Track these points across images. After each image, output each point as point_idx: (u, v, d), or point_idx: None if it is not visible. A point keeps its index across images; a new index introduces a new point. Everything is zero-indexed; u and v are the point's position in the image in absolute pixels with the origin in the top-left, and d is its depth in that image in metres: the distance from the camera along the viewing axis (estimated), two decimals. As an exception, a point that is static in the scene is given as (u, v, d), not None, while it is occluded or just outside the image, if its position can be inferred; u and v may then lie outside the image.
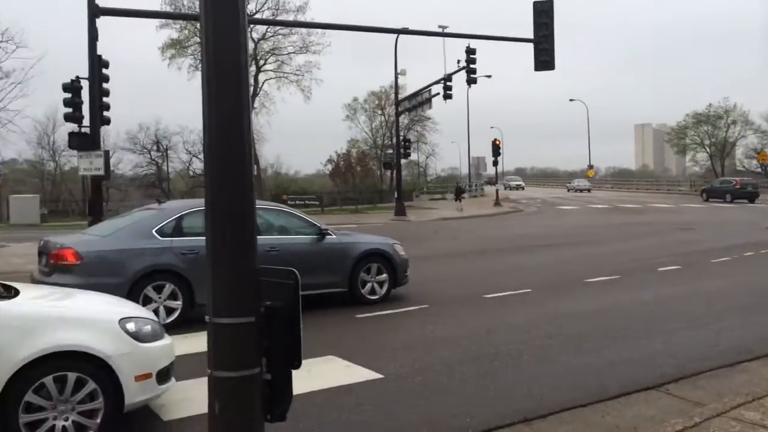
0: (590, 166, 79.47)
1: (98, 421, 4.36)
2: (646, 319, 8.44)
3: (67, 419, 4.26)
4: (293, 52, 49.78)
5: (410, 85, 49.68)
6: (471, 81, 28.87)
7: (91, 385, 4.33)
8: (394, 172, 39.38)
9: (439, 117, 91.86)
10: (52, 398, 4.22)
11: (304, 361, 6.17)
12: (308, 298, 9.16)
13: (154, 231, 8.46)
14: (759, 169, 70.03)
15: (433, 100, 33.33)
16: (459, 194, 41.01)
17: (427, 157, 76.58)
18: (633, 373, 6.14)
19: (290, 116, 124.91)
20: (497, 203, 43.33)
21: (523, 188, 78.78)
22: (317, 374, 5.97)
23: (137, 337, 4.67)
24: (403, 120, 53.47)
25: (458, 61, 29.68)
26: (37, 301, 4.99)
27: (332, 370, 6.27)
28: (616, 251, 16.61)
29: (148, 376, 4.63)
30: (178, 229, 8.61)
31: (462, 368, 6.31)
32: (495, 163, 45.09)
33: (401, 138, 38.40)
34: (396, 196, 35.51)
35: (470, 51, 28.02)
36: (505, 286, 11.05)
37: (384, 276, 9.83)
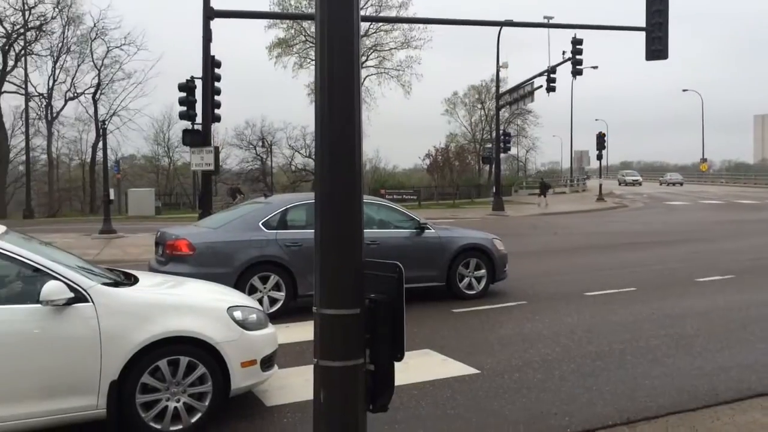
0: (703, 160, 75.05)
1: (206, 403, 4.63)
2: (765, 322, 7.95)
3: (178, 401, 4.56)
4: (395, 48, 50.26)
5: (511, 78, 49.03)
6: (576, 72, 27.98)
7: (201, 369, 4.60)
8: (493, 166, 38.92)
9: (540, 110, 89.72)
10: (166, 380, 4.51)
11: None
12: (407, 292, 9.34)
13: (260, 224, 8.78)
14: None
15: (536, 93, 32.63)
16: (544, 190, 39.79)
17: (527, 151, 75.18)
18: (748, 378, 5.83)
19: (390, 111, 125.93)
20: (600, 198, 41.82)
21: (640, 184, 69.93)
22: (414, 367, 6.06)
23: (244, 325, 4.90)
24: (504, 114, 52.72)
25: (563, 53, 28.87)
26: (153, 288, 5.32)
27: (429, 363, 6.36)
28: (730, 249, 15.67)
29: (253, 362, 4.86)
30: (282, 222, 8.93)
31: (561, 366, 6.22)
32: (599, 157, 43.49)
33: (501, 132, 37.84)
34: (494, 190, 35.06)
35: (576, 42, 27.14)
36: (608, 284, 10.72)
37: (482, 271, 9.81)
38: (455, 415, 5.02)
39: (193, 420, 4.59)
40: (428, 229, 9.71)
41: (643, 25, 21.72)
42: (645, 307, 8.93)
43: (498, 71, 35.75)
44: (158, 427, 4.48)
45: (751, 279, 11.24)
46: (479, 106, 66.72)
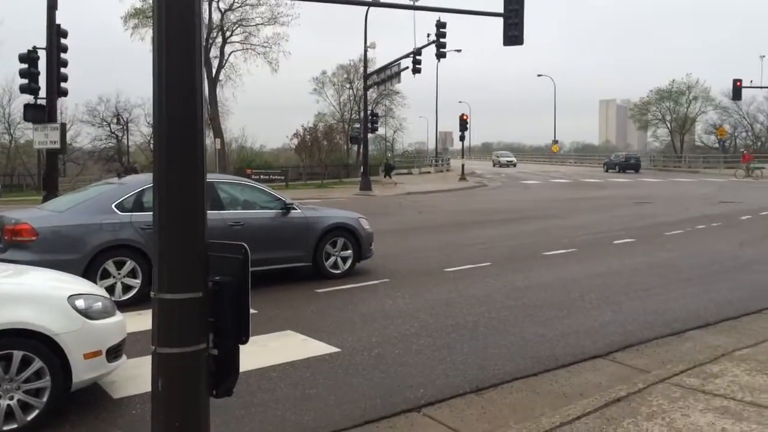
0: (555, 141, 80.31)
1: (44, 399, 4.30)
2: (599, 291, 8.69)
3: (12, 398, 4.20)
4: (261, 24, 48.97)
5: (379, 58, 49.54)
6: (440, 55, 28.90)
7: (37, 364, 4.26)
8: (361, 146, 39.29)
9: (407, 91, 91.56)
10: None
11: (261, 337, 6.34)
12: (269, 273, 9.26)
13: (113, 206, 8.33)
14: (717, 145, 71.59)
15: (402, 74, 33.30)
16: (388, 171, 40.66)
17: (394, 132, 76.58)
18: (583, 342, 6.36)
19: (257, 89, 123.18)
20: (463, 178, 43.59)
21: (515, 165, 69.44)
22: (274, 349, 6.05)
23: (87, 314, 4.61)
24: (372, 94, 53.14)
25: (428, 35, 29.64)
26: None
27: (289, 344, 6.34)
28: (575, 225, 16.94)
29: (97, 353, 4.59)
30: (138, 204, 8.47)
31: (419, 341, 6.44)
32: (462, 138, 45.24)
33: (369, 112, 38.22)
34: (362, 170, 35.45)
35: (440, 25, 27.96)
36: (466, 259, 11.23)
37: (349, 251, 9.95)
38: (314, 395, 5.05)
39: (30, 418, 4.23)
40: (294, 209, 9.66)
41: (501, 11, 22.73)
42: (498, 281, 9.45)
43: (366, 51, 36.03)
44: None
45: (590, 251, 12.24)
46: (348, 85, 66.93)
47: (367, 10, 32.74)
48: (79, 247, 7.87)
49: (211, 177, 9.81)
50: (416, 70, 30.32)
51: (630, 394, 4.64)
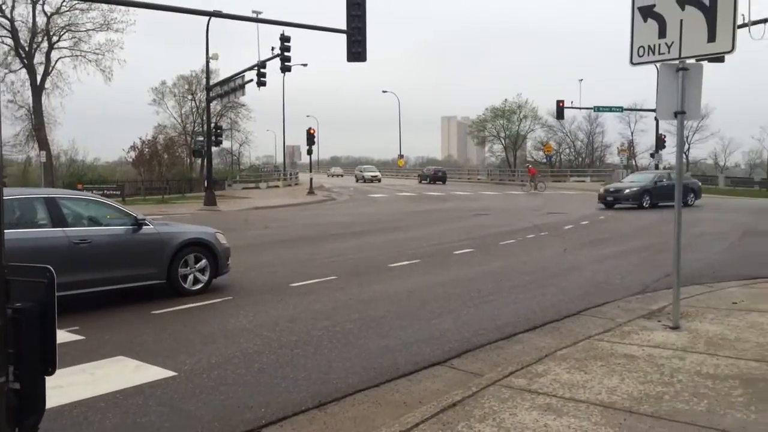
0: (400, 156, 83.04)
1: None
2: (440, 300, 9.03)
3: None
4: (93, 29, 45.85)
5: (223, 70, 48.37)
6: (285, 69, 28.74)
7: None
8: (205, 160, 38.01)
9: (253, 104, 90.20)
10: None
11: (89, 364, 5.88)
12: (101, 294, 8.63)
13: None
14: (545, 160, 77.81)
15: (247, 86, 32.72)
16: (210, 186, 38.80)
17: (240, 145, 75.14)
18: (423, 350, 6.55)
19: (90, 99, 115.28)
20: (311, 192, 43.64)
21: (379, 180, 67.31)
22: (103, 377, 5.62)
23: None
24: (215, 106, 51.67)
25: (272, 49, 29.39)
26: None
27: (121, 371, 5.91)
28: (419, 236, 17.55)
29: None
30: None
31: (261, 359, 6.29)
32: (309, 152, 45.30)
33: (213, 125, 37.11)
34: (206, 185, 34.30)
35: (285, 38, 27.85)
36: (312, 274, 11.19)
37: (204, 263, 9.66)
38: (146, 423, 4.74)
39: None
40: (146, 224, 9.23)
41: (345, 27, 23.10)
42: (343, 294, 9.51)
43: (208, 62, 34.94)
44: None
45: (432, 262, 12.72)
46: (190, 97, 64.66)
47: (209, 20, 31.84)
48: None
49: (52, 192, 9.26)
50: (261, 83, 29.98)
51: (465, 398, 4.83)
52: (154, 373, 5.84)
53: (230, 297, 9.32)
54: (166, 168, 45.71)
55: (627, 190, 28.26)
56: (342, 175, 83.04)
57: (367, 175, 68.58)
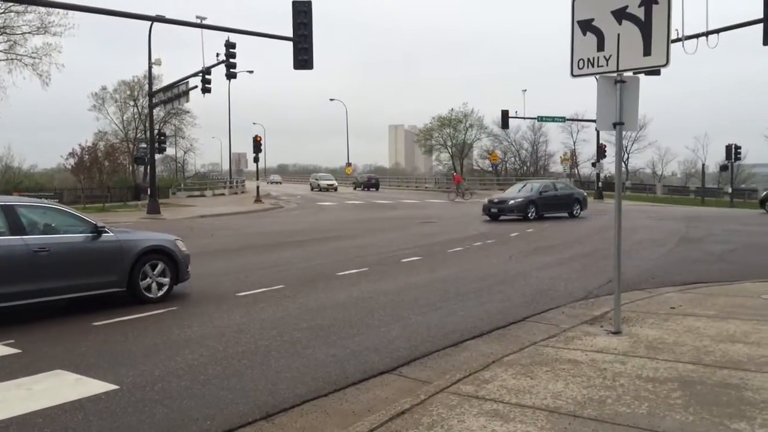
0: (348, 164, 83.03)
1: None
2: (388, 308, 9.05)
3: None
4: (29, 33, 44.24)
5: (167, 76, 47.30)
6: (231, 75, 28.43)
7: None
8: (148, 167, 37.15)
9: (198, 111, 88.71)
10: None
11: (25, 379, 5.69)
12: (35, 307, 8.33)
13: None
14: (491, 168, 79.10)
15: (192, 93, 32.20)
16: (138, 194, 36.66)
17: (185, 153, 73.75)
18: (372, 359, 6.54)
19: (26, 105, 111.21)
20: (258, 200, 43.16)
21: (335, 189, 65.46)
22: (40, 392, 5.40)
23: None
24: (158, 113, 50.75)
25: (217, 55, 28.99)
26: None
27: (59, 385, 5.70)
28: (367, 244, 17.56)
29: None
30: None
31: (207, 370, 6.16)
32: (256, 160, 44.81)
33: (156, 131, 36.31)
34: (149, 193, 33.50)
35: (230, 45, 27.55)
36: (260, 283, 11.05)
37: (165, 273, 9.68)
38: (86, 440, 4.57)
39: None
40: (106, 232, 9.18)
41: (291, 35, 23.00)
42: (291, 303, 9.42)
43: (150, 68, 34.24)
44: None
45: (381, 270, 12.75)
46: (132, 103, 63.21)
47: (151, 25, 31.22)
48: None
49: (10, 200, 8.96)
50: (206, 90, 29.53)
51: (413, 405, 4.85)
52: (94, 386, 5.64)
53: (174, 307, 9.11)
54: (107, 175, 44.42)
55: (511, 201, 26.79)
56: (280, 182, 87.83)
57: (323, 183, 66.58)
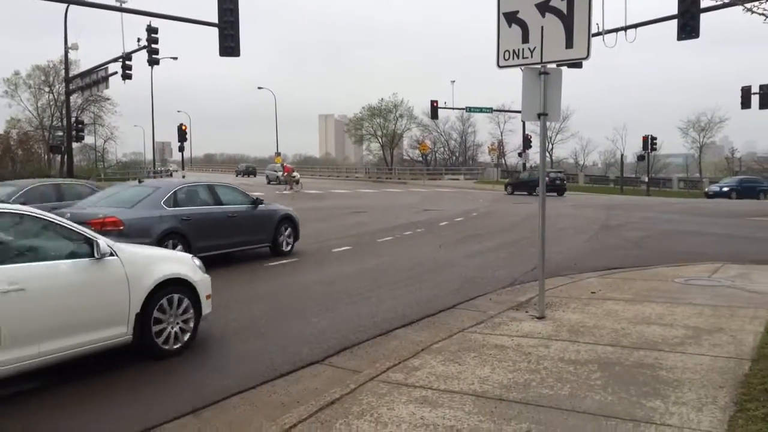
0: (278, 153, 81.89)
1: (191, 325, 6.47)
2: (319, 298, 9.00)
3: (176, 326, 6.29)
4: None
5: (85, 61, 45.33)
6: (153, 62, 27.53)
7: (186, 302, 6.43)
8: (65, 156, 35.52)
9: (120, 98, 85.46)
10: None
11: None
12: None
13: (162, 203, 11.05)
14: (421, 158, 79.88)
15: (111, 79, 30.95)
16: None
17: (105, 141, 70.88)
18: (302, 350, 6.49)
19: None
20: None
21: (297, 182, 53.11)
22: None
23: (201, 269, 6.74)
24: (76, 99, 48.56)
25: (138, 40, 27.97)
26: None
27: None
28: (305, 233, 17.35)
29: (209, 296, 6.81)
30: (176, 202, 11.31)
31: (131, 371, 5.95)
32: (181, 149, 43.69)
33: (73, 119, 34.74)
34: (67, 183, 32.03)
35: (152, 30, 26.63)
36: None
37: (291, 234, 13.66)
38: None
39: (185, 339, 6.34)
40: (261, 203, 13.13)
41: (216, 21, 22.43)
42: (217, 296, 9.04)
43: (67, 53, 32.68)
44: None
45: (312, 260, 12.68)
46: (47, 89, 60.21)
47: (67, 7, 29.79)
48: (151, 233, 10.35)
49: (209, 181, 13.74)
50: (126, 76, 28.47)
51: (343, 395, 4.84)
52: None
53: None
54: (21, 165, 42.22)
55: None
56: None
57: (282, 175, 58.28)
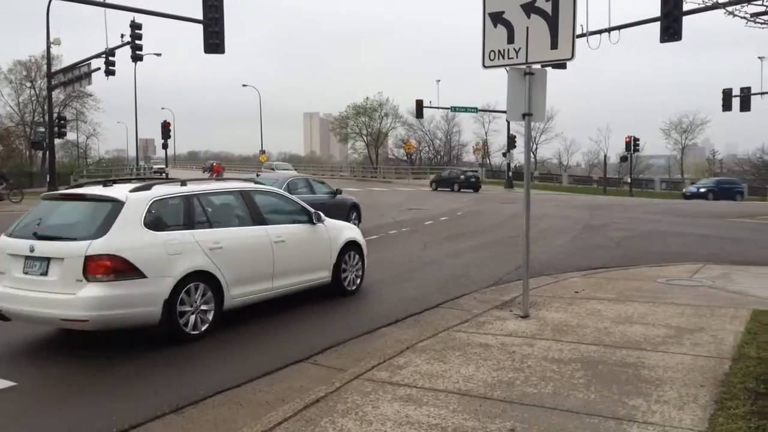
0: (262, 151, 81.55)
1: (361, 273, 9.54)
2: (306, 298, 8.96)
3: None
4: None
5: (68, 57, 44.82)
6: (137, 58, 27.30)
7: (357, 257, 9.46)
8: (47, 153, 35.13)
9: (103, 94, 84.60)
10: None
11: None
12: None
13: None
14: (405, 157, 79.92)
15: (94, 75, 30.66)
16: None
17: (88, 138, 70.10)
18: (286, 348, 6.47)
19: None
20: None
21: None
22: None
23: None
24: (58, 95, 47.99)
25: (122, 36, 27.71)
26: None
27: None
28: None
29: (367, 256, 9.86)
30: (292, 190, 13.33)
31: (113, 370, 5.91)
32: (165, 146, 43.40)
33: (55, 115, 34.37)
34: (48, 180, 31.72)
35: (135, 26, 26.41)
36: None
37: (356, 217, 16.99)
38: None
39: (358, 282, 9.40)
40: (340, 193, 16.43)
41: (201, 17, 22.30)
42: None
43: (49, 48, 32.29)
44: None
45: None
46: (29, 84, 59.33)
47: (49, 2, 29.47)
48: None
49: (305, 176, 17.20)
50: (109, 72, 28.22)
51: (328, 393, 4.84)
52: None
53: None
54: (2, 161, 41.68)
55: None
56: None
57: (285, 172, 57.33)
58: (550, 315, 7.42)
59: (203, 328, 6.71)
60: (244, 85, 75.51)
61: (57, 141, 35.96)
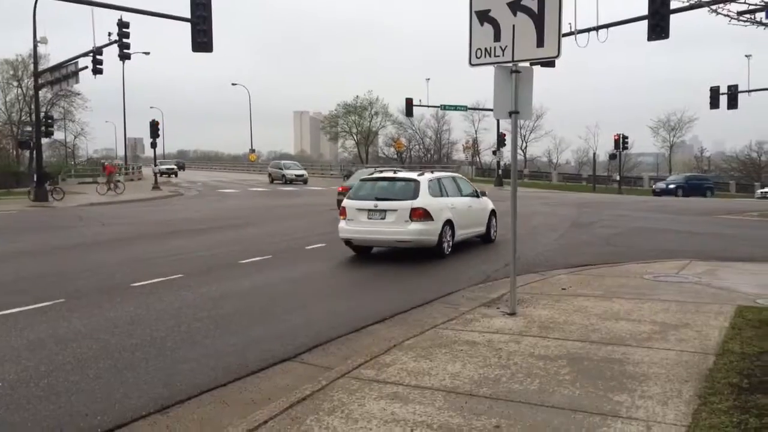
0: (252, 150, 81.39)
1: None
2: (292, 296, 8.98)
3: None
4: None
5: (55, 56, 44.45)
6: (124, 57, 27.25)
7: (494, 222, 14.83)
8: (34, 152, 34.86)
9: (91, 93, 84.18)
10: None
11: None
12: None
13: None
14: (396, 156, 79.96)
15: (82, 74, 30.50)
16: None
17: (75, 137, 69.73)
18: (274, 347, 6.46)
19: None
20: (156, 187, 41.54)
21: (305, 181, 51.08)
22: None
23: None
24: (45, 94, 47.72)
25: (109, 35, 27.54)
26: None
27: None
28: (270, 232, 17.32)
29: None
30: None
31: (98, 364, 5.88)
32: (153, 145, 43.08)
33: (42, 114, 34.11)
34: (35, 179, 31.49)
35: (123, 24, 26.31)
36: (156, 273, 10.64)
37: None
38: (-40, 443, 4.25)
39: (493, 238, 14.62)
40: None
41: (189, 16, 22.20)
42: (191, 293, 9.14)
43: (36, 46, 32.02)
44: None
45: (285, 257, 12.61)
46: (15, 83, 58.95)
47: (36, 0, 29.25)
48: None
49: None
50: (97, 71, 28.06)
51: (314, 392, 4.83)
52: (-28, 387, 5.26)
53: (62, 299, 8.61)
54: (-12, 160, 41.31)
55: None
56: (175, 171, 66.02)
57: (290, 174, 50.05)
58: (537, 312, 7.44)
59: (448, 251, 12.20)
60: (233, 84, 75.36)
61: (44, 140, 35.77)
